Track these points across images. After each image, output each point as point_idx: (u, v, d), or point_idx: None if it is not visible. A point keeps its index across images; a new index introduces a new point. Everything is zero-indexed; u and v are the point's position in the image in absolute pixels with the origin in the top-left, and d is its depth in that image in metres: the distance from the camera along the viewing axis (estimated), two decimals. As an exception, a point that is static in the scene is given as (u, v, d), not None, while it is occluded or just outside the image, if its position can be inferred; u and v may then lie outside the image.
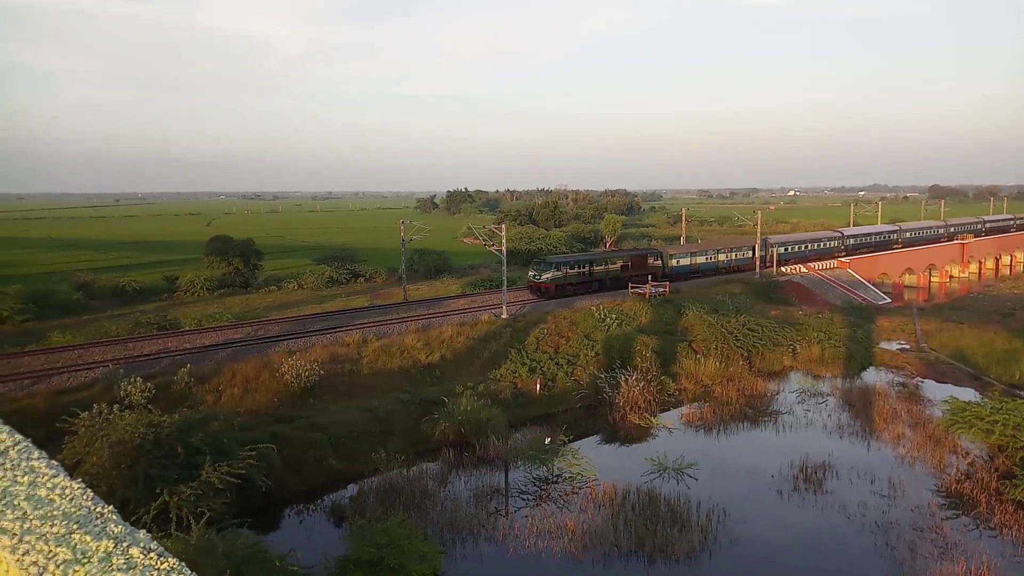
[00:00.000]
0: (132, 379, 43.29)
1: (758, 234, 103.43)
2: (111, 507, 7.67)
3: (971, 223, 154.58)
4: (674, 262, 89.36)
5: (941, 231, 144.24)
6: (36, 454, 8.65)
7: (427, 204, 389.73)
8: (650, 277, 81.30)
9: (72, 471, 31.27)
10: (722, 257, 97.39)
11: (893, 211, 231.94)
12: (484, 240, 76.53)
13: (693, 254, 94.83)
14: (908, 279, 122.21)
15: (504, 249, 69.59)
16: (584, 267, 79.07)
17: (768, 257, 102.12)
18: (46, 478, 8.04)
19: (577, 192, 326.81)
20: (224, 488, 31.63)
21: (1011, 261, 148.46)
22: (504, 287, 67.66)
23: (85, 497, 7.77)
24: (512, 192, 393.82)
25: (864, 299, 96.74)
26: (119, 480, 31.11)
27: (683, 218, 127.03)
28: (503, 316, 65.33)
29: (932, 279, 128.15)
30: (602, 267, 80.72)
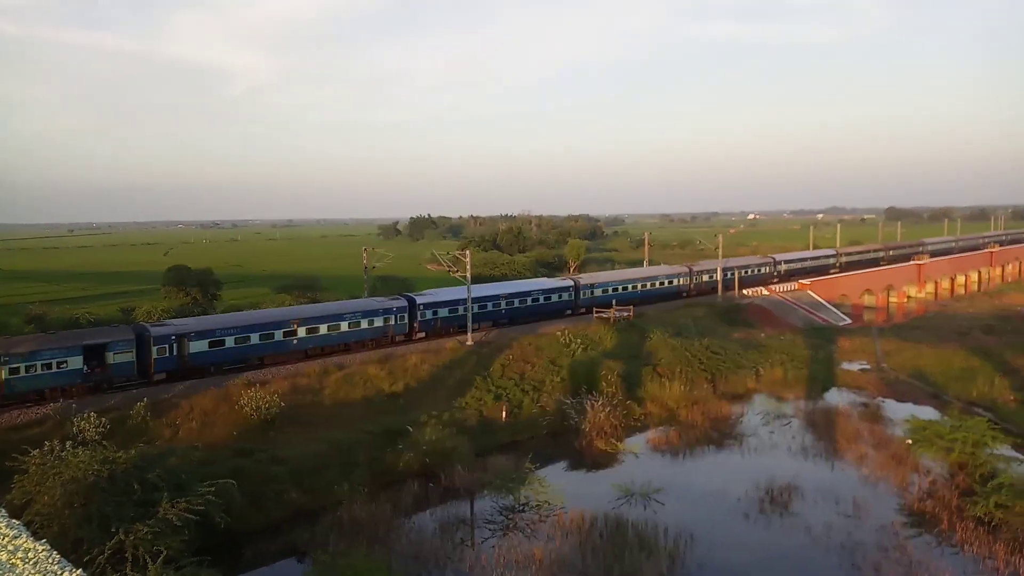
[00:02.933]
0: (86, 414, 42.09)
1: (720, 257, 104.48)
2: (79, 572, 7.14)
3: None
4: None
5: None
6: None
7: (390, 230, 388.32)
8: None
9: (21, 511, 30.30)
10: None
11: (851, 233, 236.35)
12: (448, 266, 76.13)
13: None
14: (868, 300, 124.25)
15: (468, 275, 69.36)
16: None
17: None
18: (7, 540, 7.45)
19: (541, 217, 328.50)
20: (182, 525, 30.72)
21: (966, 281, 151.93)
22: (468, 313, 67.34)
23: (51, 560, 7.22)
24: (476, 218, 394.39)
25: (825, 320, 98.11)
26: (72, 520, 30.10)
27: (646, 242, 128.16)
28: (468, 343, 64.95)
29: (891, 299, 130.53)
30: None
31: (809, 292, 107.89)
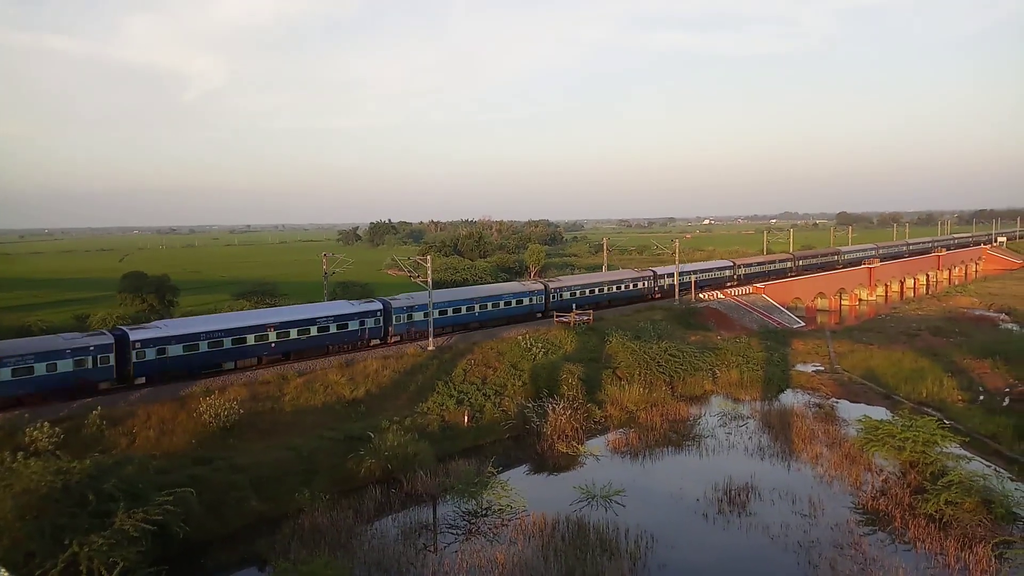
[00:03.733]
0: (38, 424, 41.09)
1: (676, 262, 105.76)
2: None
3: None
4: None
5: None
6: None
7: (350, 236, 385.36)
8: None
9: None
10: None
11: (803, 237, 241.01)
12: (409, 271, 75.95)
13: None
14: (820, 303, 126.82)
15: (430, 280, 69.26)
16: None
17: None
18: None
19: (501, 223, 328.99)
20: (139, 536, 30.14)
21: (915, 284, 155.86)
22: (430, 318, 67.25)
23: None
24: (436, 223, 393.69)
25: (779, 323, 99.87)
26: (23, 532, 29.36)
27: (604, 247, 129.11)
28: (429, 347, 64.85)
29: (843, 302, 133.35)
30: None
31: (764, 295, 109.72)
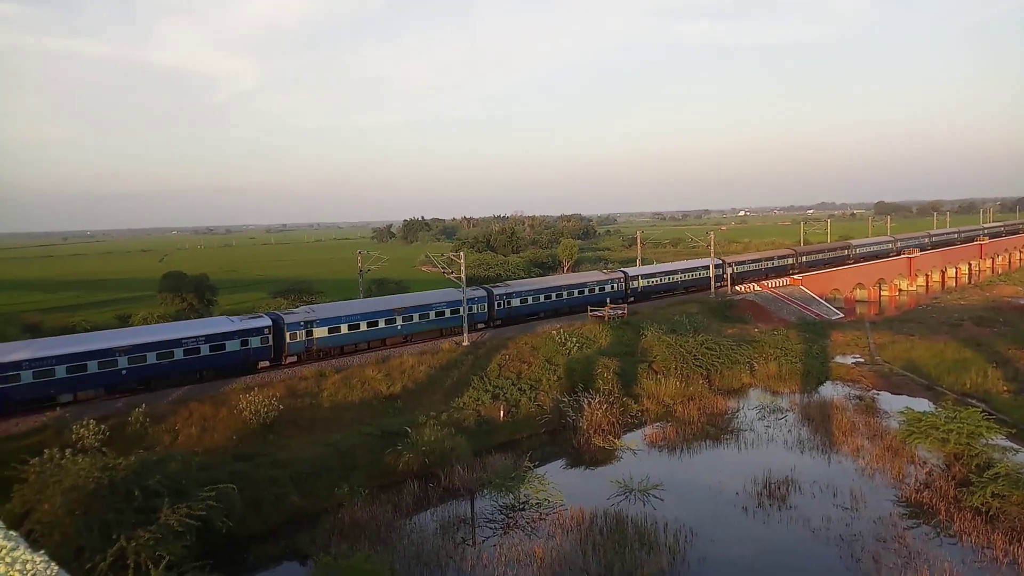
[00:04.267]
0: (85, 422, 42.08)
1: (712, 254, 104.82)
2: None
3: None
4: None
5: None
6: None
7: (384, 233, 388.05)
8: None
9: (22, 520, 30.33)
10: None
11: (841, 228, 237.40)
12: (442, 268, 76.23)
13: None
14: (859, 293, 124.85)
15: (463, 276, 69.50)
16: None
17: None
18: (4, 552, 7.37)
19: (533, 218, 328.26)
20: (183, 531, 30.75)
21: (956, 273, 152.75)
22: (464, 314, 67.48)
23: (49, 572, 7.19)
24: (469, 219, 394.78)
25: (817, 315, 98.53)
26: (73, 528, 30.10)
27: (638, 241, 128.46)
28: (464, 343, 65.09)
29: (882, 293, 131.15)
30: None
31: (801, 287, 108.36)
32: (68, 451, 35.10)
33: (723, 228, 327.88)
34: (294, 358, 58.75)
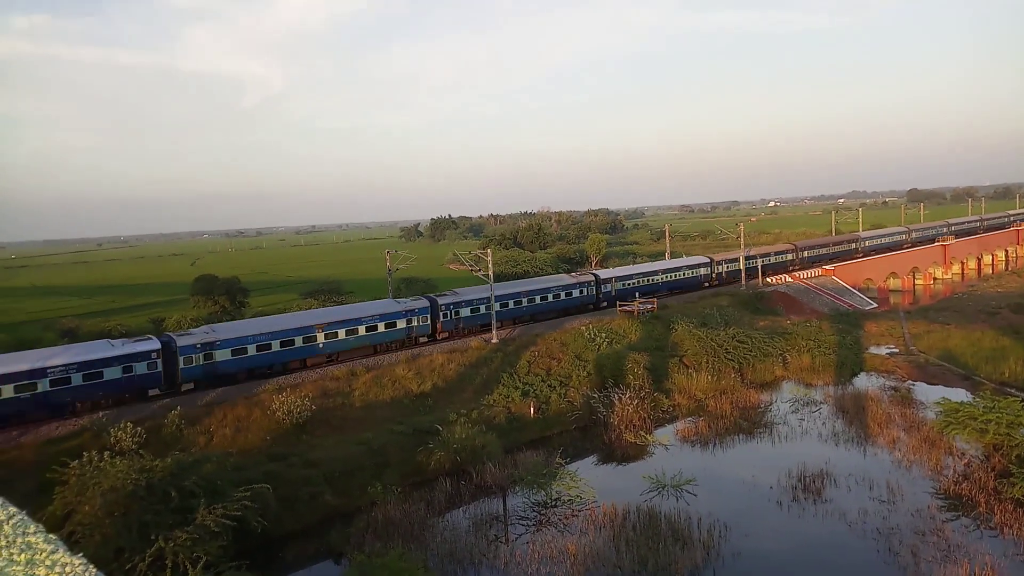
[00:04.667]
0: (122, 424, 42.79)
1: (742, 246, 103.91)
2: None
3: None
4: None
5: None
6: (33, 528, 8.10)
7: (411, 232, 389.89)
8: None
9: (63, 522, 30.92)
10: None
11: (873, 216, 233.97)
12: (470, 265, 76.49)
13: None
14: (893, 283, 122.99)
15: (491, 273, 69.56)
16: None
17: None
18: (44, 555, 7.46)
19: (560, 213, 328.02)
20: (220, 531, 31.18)
21: (992, 260, 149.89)
22: (492, 311, 67.55)
23: (87, 575, 7.25)
24: (496, 216, 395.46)
25: (850, 305, 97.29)
26: (112, 529, 30.65)
27: (667, 234, 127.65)
28: (493, 340, 65.18)
29: (916, 282, 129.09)
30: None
31: (834, 277, 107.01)
32: (107, 453, 35.79)
33: (753, 219, 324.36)
34: (191, 385, 52.43)
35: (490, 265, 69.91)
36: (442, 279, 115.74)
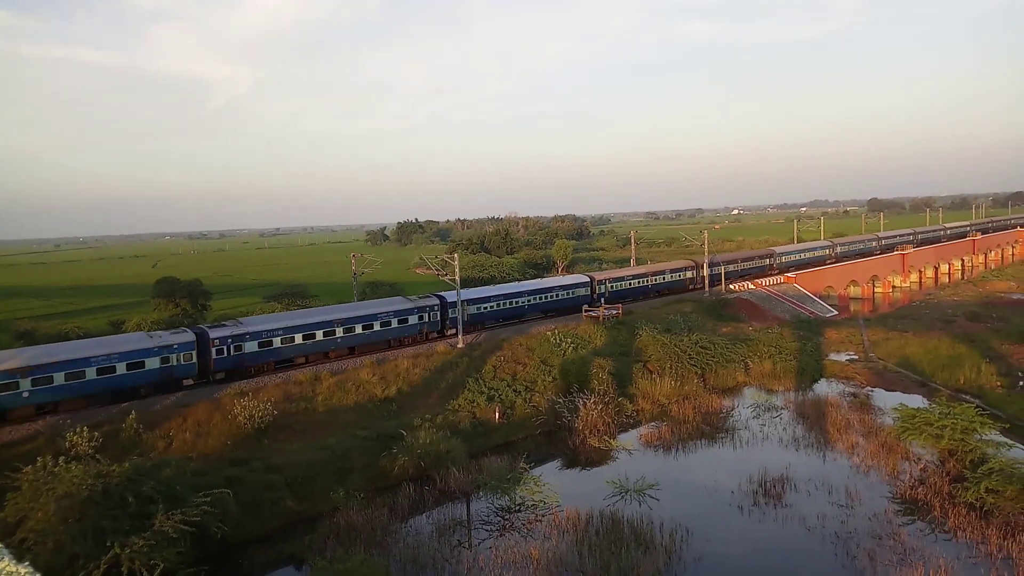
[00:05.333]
0: (78, 429, 41.89)
1: (706, 253, 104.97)
2: None
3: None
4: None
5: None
6: None
7: (378, 236, 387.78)
8: None
9: (15, 528, 30.19)
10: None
11: (834, 225, 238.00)
12: (437, 270, 76.27)
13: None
14: (853, 291, 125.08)
15: (458, 278, 69.43)
16: None
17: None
18: None
19: (527, 219, 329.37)
20: (178, 537, 30.69)
21: (949, 269, 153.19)
22: (460, 316, 67.42)
23: None
24: (463, 221, 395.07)
25: (812, 312, 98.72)
26: (67, 535, 29.99)
27: (632, 240, 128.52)
28: (459, 345, 65.03)
29: (876, 290, 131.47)
30: None
31: (795, 284, 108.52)
32: (61, 458, 34.95)
33: (716, 227, 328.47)
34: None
35: (457, 270, 69.78)
36: (408, 283, 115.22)
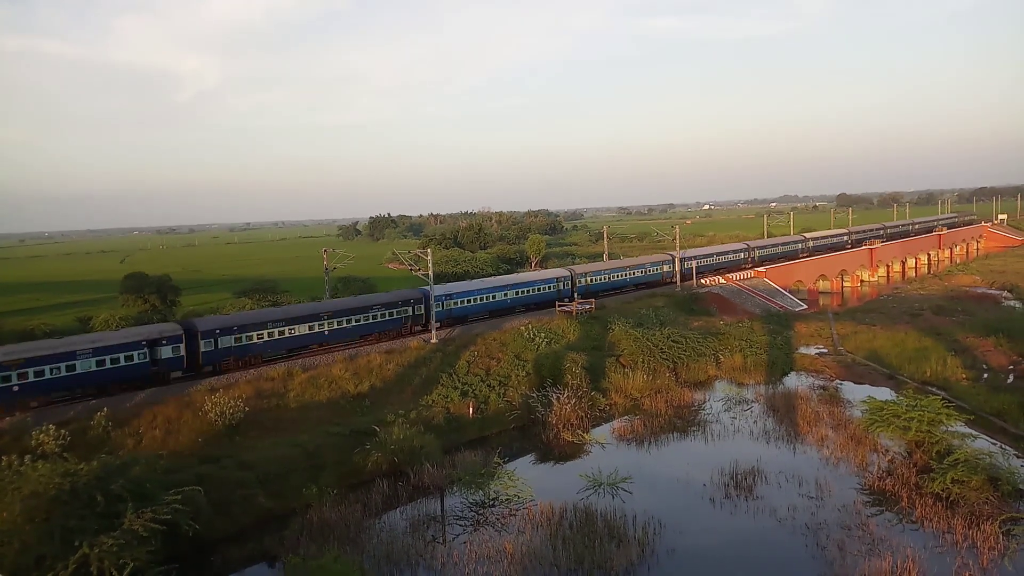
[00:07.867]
0: (44, 427, 41.16)
1: (677, 248, 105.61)
2: None
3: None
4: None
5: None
6: None
7: (349, 231, 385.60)
8: None
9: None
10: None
11: (803, 220, 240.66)
12: (410, 265, 76.14)
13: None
14: (822, 285, 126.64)
15: (431, 273, 69.26)
16: None
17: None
18: None
19: (500, 214, 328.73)
20: (148, 535, 30.27)
21: (916, 264, 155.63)
22: (432, 311, 67.27)
23: None
24: (436, 216, 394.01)
25: (781, 307, 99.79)
26: (33, 535, 29.44)
27: (605, 236, 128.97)
28: (432, 340, 64.89)
29: (845, 284, 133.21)
30: None
31: (766, 279, 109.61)
32: (27, 457, 34.33)
33: (687, 222, 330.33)
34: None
35: (430, 265, 69.62)
36: (381, 279, 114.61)
